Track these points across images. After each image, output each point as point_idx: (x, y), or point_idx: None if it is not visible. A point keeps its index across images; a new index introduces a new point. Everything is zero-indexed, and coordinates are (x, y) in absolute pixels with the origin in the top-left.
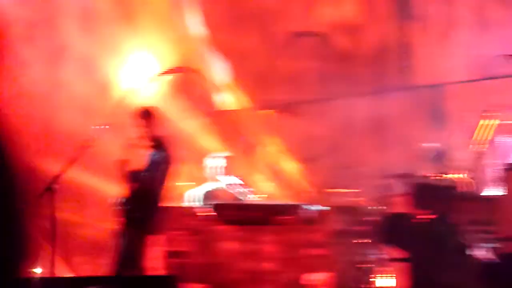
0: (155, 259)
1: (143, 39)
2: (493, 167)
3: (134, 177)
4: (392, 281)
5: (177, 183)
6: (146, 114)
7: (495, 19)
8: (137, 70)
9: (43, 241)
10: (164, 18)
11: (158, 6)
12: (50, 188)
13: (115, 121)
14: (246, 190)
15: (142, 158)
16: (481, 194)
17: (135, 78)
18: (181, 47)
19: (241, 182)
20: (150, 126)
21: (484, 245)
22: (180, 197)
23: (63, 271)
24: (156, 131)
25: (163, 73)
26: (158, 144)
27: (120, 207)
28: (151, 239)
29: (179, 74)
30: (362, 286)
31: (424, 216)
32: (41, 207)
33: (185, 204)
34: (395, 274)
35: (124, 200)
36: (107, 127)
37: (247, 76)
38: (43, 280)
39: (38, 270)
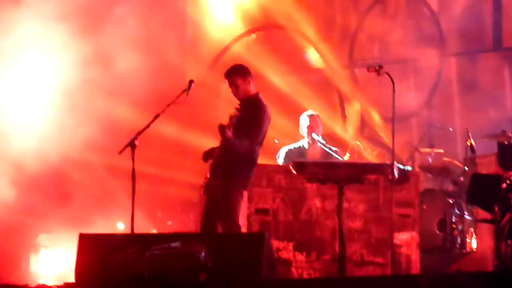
0: (241, 216)
1: None
2: None
3: (228, 132)
4: (475, 242)
5: (273, 141)
6: (239, 72)
7: None
8: (227, 28)
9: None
10: None
11: None
12: (132, 144)
13: (207, 78)
14: (334, 148)
15: (235, 114)
16: None
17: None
18: (272, 5)
19: (328, 140)
20: (243, 84)
21: None
22: (272, 154)
23: (146, 227)
24: (249, 89)
25: (253, 30)
26: (251, 101)
27: (212, 162)
28: (242, 194)
29: (270, 32)
30: (448, 245)
31: (509, 177)
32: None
33: (277, 161)
34: (479, 234)
35: (217, 155)
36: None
37: (336, 34)
38: (122, 236)
39: (120, 226)
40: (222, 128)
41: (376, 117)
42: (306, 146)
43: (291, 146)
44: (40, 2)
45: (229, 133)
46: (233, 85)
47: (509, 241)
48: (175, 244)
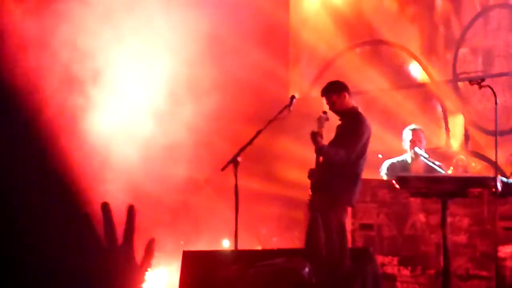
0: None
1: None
2: None
3: (320, 140)
4: None
5: (376, 155)
6: (333, 89)
7: None
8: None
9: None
10: None
11: None
12: (234, 161)
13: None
14: (437, 162)
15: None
16: None
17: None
18: (375, 19)
19: (432, 155)
20: (339, 100)
21: None
22: (376, 168)
23: (250, 244)
24: (346, 103)
25: (357, 46)
26: (350, 113)
27: (314, 179)
28: (347, 211)
29: (373, 47)
30: None
31: None
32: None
33: (381, 176)
34: None
35: (317, 172)
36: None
37: (439, 47)
38: (226, 253)
39: (226, 243)
40: (314, 136)
41: (480, 131)
42: (409, 160)
43: (394, 159)
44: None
45: (322, 140)
46: (329, 102)
47: None
48: (279, 260)
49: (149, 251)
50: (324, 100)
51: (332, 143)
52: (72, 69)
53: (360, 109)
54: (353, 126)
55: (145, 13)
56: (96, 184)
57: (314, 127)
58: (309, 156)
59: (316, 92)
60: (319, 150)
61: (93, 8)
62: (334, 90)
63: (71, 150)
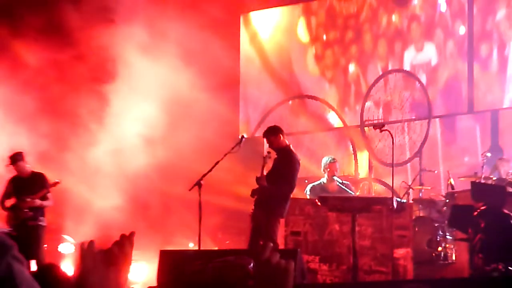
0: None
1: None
2: None
3: (268, 177)
4: (455, 256)
5: (305, 181)
6: (271, 132)
7: None
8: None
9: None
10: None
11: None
12: (198, 183)
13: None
14: (349, 185)
15: (273, 164)
16: None
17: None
18: (304, 80)
19: (345, 181)
20: (276, 140)
21: None
22: (303, 190)
23: (209, 245)
24: (280, 142)
25: (291, 98)
26: (283, 151)
27: (256, 197)
28: (279, 221)
29: (303, 100)
30: (435, 258)
31: (479, 207)
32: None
33: (306, 195)
34: (458, 250)
35: (258, 191)
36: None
37: (351, 100)
38: (192, 252)
39: (191, 244)
40: (258, 180)
41: (380, 163)
42: (325, 181)
43: (315, 183)
44: None
45: (264, 182)
46: (268, 141)
47: (480, 255)
48: (230, 258)
49: (130, 242)
50: (264, 140)
51: (271, 173)
52: None
53: (292, 147)
54: (287, 161)
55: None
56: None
57: (259, 161)
58: (253, 180)
59: (259, 133)
60: (263, 189)
61: None
62: (272, 132)
63: None
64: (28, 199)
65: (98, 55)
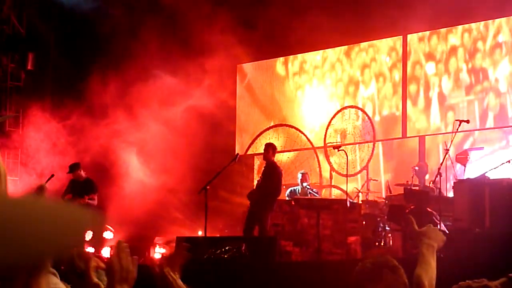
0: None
1: (260, 104)
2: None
3: (259, 185)
4: (391, 242)
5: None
6: (271, 146)
7: None
8: (259, 122)
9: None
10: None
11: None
12: (205, 188)
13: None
14: (315, 190)
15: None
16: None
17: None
18: (284, 108)
19: (313, 188)
20: (271, 152)
21: (443, 223)
22: (284, 193)
23: (213, 233)
24: (270, 156)
25: (275, 126)
26: (271, 166)
27: (251, 198)
28: (267, 216)
29: (282, 127)
30: (377, 244)
31: (410, 206)
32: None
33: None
34: (394, 237)
35: (253, 194)
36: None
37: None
38: (199, 238)
39: (200, 232)
40: (249, 194)
41: (338, 173)
42: (300, 188)
43: (292, 188)
44: None
45: (256, 197)
46: (265, 150)
47: (409, 242)
48: (228, 242)
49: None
50: (263, 147)
51: (261, 182)
52: None
53: (276, 162)
54: (272, 173)
55: None
56: None
57: (248, 175)
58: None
59: (251, 151)
60: (258, 193)
61: None
62: (266, 146)
63: None
64: (80, 198)
65: None
